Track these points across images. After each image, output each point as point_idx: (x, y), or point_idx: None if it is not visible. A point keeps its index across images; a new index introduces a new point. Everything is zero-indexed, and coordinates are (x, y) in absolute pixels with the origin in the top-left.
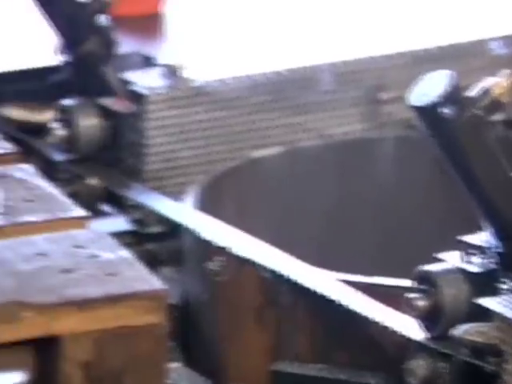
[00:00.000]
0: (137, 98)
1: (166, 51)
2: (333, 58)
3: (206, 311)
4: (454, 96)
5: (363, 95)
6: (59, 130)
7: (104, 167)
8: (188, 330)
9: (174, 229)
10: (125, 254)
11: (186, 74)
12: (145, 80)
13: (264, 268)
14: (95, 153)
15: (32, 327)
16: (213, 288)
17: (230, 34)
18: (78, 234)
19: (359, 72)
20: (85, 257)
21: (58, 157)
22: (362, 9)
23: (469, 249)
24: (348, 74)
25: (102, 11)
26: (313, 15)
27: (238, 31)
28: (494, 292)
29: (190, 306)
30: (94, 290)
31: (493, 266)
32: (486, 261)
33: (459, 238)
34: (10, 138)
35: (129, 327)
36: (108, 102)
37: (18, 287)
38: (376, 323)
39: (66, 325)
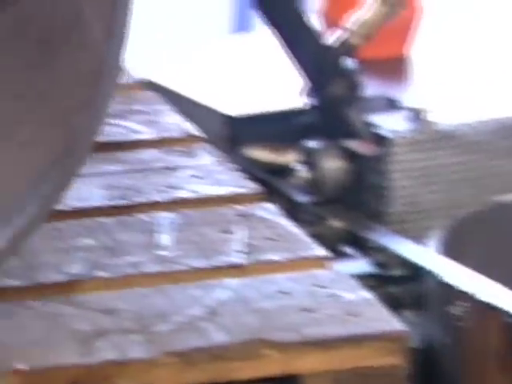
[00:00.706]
0: (381, 140)
1: (411, 94)
2: None
3: (448, 356)
4: None
5: None
6: (303, 172)
7: (347, 209)
8: (429, 374)
9: (416, 272)
10: (366, 294)
11: (430, 117)
12: (389, 123)
13: (509, 314)
14: (339, 195)
15: (272, 365)
16: (455, 333)
17: (477, 76)
18: (319, 273)
19: None
20: (326, 296)
21: (301, 198)
22: None
23: None
24: None
25: (348, 54)
26: None
27: (485, 73)
28: None
29: (431, 350)
30: (335, 330)
31: None
32: None
33: None
34: (254, 178)
35: (369, 368)
36: (353, 144)
37: (260, 325)
38: None
39: (305, 364)
